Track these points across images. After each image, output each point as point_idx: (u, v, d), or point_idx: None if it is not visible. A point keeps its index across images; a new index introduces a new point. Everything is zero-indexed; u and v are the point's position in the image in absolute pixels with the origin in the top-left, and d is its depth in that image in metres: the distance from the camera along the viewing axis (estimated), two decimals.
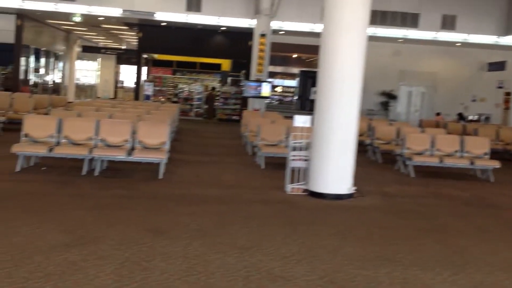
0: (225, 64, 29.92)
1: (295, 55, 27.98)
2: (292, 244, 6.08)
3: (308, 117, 9.20)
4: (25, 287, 4.38)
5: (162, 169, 9.68)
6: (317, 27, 21.47)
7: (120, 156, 9.62)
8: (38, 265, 4.86)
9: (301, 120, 9.10)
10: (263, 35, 21.31)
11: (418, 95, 26.48)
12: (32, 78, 26.39)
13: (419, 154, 11.86)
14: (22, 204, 7.07)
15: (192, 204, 7.82)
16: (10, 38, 23.19)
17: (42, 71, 27.68)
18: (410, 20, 22.93)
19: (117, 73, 38.96)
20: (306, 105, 25.09)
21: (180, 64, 30.10)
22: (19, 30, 23.44)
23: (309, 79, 25.16)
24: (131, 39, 31.87)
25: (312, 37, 22.57)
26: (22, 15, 23.20)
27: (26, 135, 9.74)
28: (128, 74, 38.33)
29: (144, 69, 28.21)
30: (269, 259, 5.49)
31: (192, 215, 7.12)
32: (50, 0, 20.86)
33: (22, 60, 24.75)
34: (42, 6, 21.18)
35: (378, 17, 21.95)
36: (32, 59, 26.19)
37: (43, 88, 27.42)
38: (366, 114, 21.52)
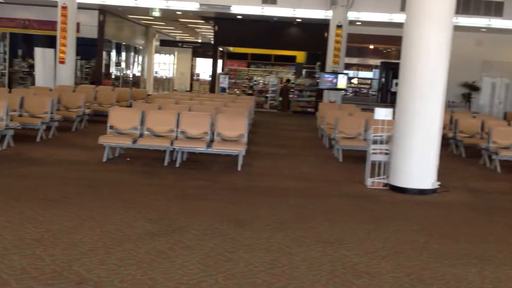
0: (300, 56, 29.76)
1: (371, 46, 27.41)
2: (376, 240, 5.96)
3: (390, 109, 8.99)
4: (118, 273, 4.54)
5: (240, 161, 9.77)
6: (396, 17, 20.90)
7: (200, 148, 9.79)
8: (128, 253, 5.03)
9: (382, 113, 8.90)
10: (339, 26, 21.02)
11: (502, 86, 25.26)
12: (114, 71, 27.36)
13: (506, 148, 11.32)
14: (111, 193, 7.35)
15: (271, 196, 7.84)
16: (93, 33, 24.11)
17: (122, 64, 28.64)
18: (494, 8, 21.86)
19: (193, 66, 39.70)
20: (387, 97, 24.51)
21: (255, 57, 30.24)
22: (101, 25, 24.34)
23: (390, 71, 24.54)
24: (206, 32, 32.34)
25: (390, 27, 22.03)
26: (104, 11, 24.06)
27: (111, 127, 10.10)
28: (203, 67, 38.96)
29: (220, 62, 28.56)
30: (353, 254, 5.41)
31: (273, 207, 7.13)
32: None
33: (104, 54, 25.69)
34: (122, 1, 21.87)
35: (460, 6, 21.07)
36: (113, 53, 27.14)
37: (123, 81, 28.38)
38: (447, 106, 20.76)
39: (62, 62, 19.47)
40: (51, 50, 20.16)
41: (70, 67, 19.62)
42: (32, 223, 5.74)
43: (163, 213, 6.52)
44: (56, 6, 19.41)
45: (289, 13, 22.02)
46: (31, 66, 23.24)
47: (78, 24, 20.47)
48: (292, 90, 25.28)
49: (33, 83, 21.27)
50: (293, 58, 29.98)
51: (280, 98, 25.35)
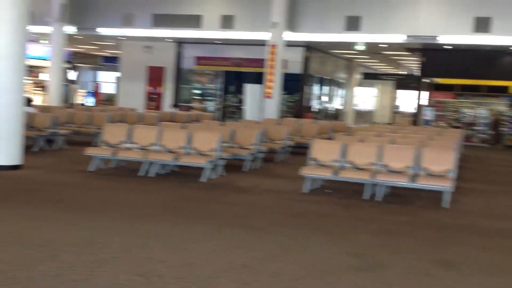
0: None
1: None
2: None
3: None
4: None
5: (447, 197, 9.18)
6: None
7: (403, 182, 9.44)
8: (331, 285, 4.97)
9: None
10: None
11: None
12: (315, 105, 28.10)
13: None
14: (311, 224, 7.42)
15: (483, 236, 7.18)
16: (297, 68, 25.12)
17: (324, 98, 29.28)
18: None
19: (394, 98, 39.02)
20: None
21: (463, 88, 28.57)
22: (306, 61, 25.26)
23: None
24: (410, 63, 31.58)
25: None
26: (309, 47, 24.96)
27: (313, 159, 10.27)
28: (404, 99, 38.05)
29: (424, 94, 27.57)
30: None
31: (485, 249, 6.51)
32: (336, 31, 21.95)
33: (307, 89, 26.55)
34: (328, 37, 22.43)
35: None
36: (315, 87, 27.92)
37: (324, 114, 28.97)
38: None
39: (268, 97, 20.58)
40: (259, 86, 21.45)
41: (275, 101, 20.65)
42: (239, 249, 6.01)
43: (363, 247, 6.36)
44: (265, 45, 20.69)
45: (505, 41, 20.37)
46: (241, 101, 25.00)
47: (284, 61, 21.51)
48: (505, 122, 23.27)
49: (242, 117, 22.79)
50: (506, 89, 27.67)
51: (491, 132, 23.50)
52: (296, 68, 24.75)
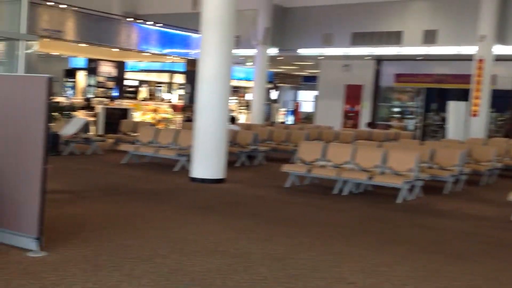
0: None
1: None
2: None
3: None
4: None
5: None
6: None
7: None
8: None
9: None
10: None
11: None
12: None
13: None
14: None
15: None
16: (509, 85, 23.06)
17: None
18: None
19: None
20: None
21: None
22: None
23: None
24: None
25: None
26: None
27: None
28: None
29: None
30: None
31: None
32: None
33: None
34: None
35: None
36: None
37: None
38: None
39: (474, 115, 19.20)
40: (464, 103, 20.15)
41: (482, 120, 19.20)
42: (434, 277, 5.60)
43: None
44: (471, 60, 19.40)
45: None
46: (443, 119, 23.70)
47: (494, 76, 19.93)
48: None
49: (444, 136, 21.58)
50: None
51: None
52: (507, 84, 22.73)
